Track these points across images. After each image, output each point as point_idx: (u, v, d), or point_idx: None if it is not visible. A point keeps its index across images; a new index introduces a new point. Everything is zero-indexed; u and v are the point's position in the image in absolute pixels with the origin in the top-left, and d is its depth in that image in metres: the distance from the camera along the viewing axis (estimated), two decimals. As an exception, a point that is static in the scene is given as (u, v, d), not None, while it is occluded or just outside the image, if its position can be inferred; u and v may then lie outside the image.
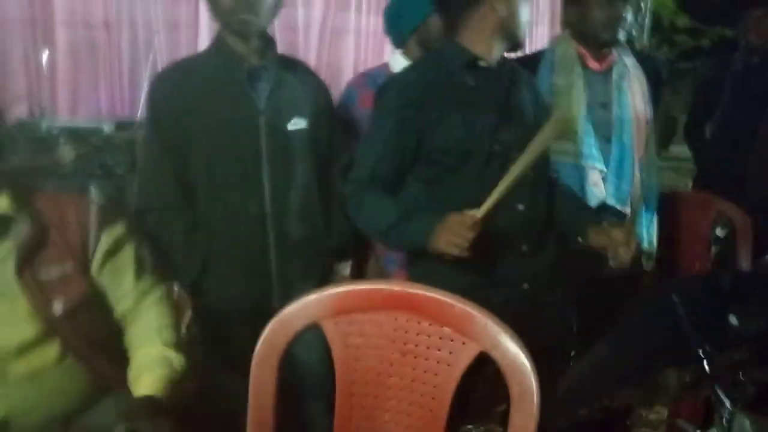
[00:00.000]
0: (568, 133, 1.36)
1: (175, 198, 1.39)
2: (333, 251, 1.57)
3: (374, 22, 2.88)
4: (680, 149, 3.25)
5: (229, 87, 1.38)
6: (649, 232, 1.71)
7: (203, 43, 2.55)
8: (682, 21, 8.32)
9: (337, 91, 1.77)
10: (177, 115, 1.37)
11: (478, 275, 1.24)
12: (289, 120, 1.43)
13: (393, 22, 1.75)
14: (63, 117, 2.12)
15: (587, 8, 1.60)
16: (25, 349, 1.06)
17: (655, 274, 1.77)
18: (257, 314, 1.47)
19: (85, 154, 1.90)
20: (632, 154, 1.66)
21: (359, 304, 1.10)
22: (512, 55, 1.45)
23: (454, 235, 1.14)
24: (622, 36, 1.64)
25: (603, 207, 1.61)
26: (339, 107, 1.66)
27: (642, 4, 3.12)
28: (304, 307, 1.10)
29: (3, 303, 1.06)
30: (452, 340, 1.05)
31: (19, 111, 1.96)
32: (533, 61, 1.70)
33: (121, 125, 1.99)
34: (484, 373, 1.10)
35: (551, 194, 1.37)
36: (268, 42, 1.44)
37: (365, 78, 1.72)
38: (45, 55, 2.32)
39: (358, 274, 1.66)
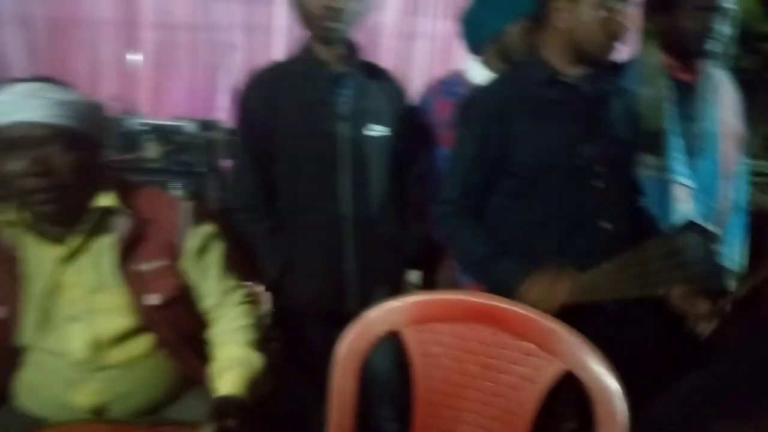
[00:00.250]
0: None
1: (259, 199, 1.44)
2: (407, 258, 1.58)
3: (443, 27, 2.88)
4: (763, 164, 3.08)
5: (313, 93, 1.42)
6: (737, 251, 1.63)
7: (277, 46, 2.63)
8: (769, 28, 7.84)
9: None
10: (264, 118, 1.42)
11: None
12: (369, 126, 1.46)
13: (470, 29, 1.73)
14: (149, 116, 2.23)
15: (677, 18, 1.53)
16: (122, 338, 1.13)
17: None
18: (331, 316, 1.51)
19: (169, 152, 1.99)
20: (721, 169, 1.59)
21: (441, 314, 1.10)
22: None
23: (546, 293, 1.14)
24: (715, 47, 1.56)
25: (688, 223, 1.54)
26: (415, 114, 1.66)
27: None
28: (386, 313, 1.12)
29: (104, 293, 1.12)
30: (536, 357, 1.03)
31: (110, 109, 2.08)
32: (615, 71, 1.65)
33: (204, 125, 2.08)
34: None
35: (639, 213, 1.33)
36: (353, 49, 1.46)
37: (442, 86, 1.72)
38: (132, 56, 2.45)
39: (428, 283, 1.66)
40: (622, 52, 1.55)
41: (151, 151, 1.98)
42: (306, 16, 1.40)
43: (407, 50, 2.83)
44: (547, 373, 1.02)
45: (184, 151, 2.00)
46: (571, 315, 1.10)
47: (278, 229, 1.45)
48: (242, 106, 1.46)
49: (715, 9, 1.50)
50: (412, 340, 1.11)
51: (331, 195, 1.44)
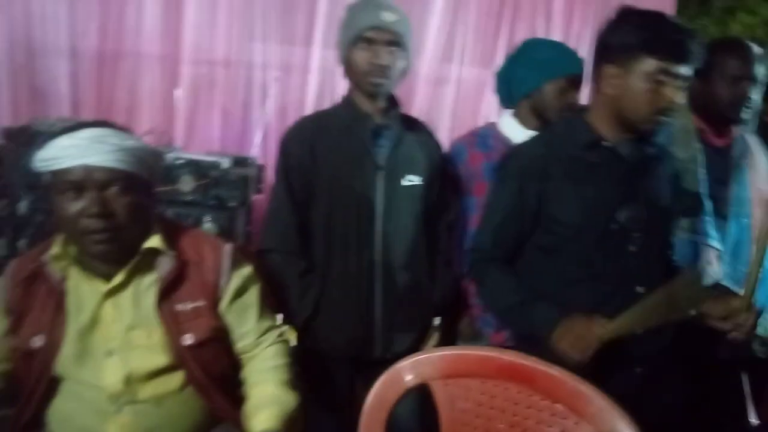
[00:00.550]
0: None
1: (294, 242, 1.47)
2: (435, 305, 1.60)
3: (470, 74, 2.95)
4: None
5: (353, 143, 1.47)
6: (766, 317, 1.62)
7: (313, 86, 2.70)
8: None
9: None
10: (305, 164, 1.46)
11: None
12: (404, 176, 1.50)
13: (506, 85, 1.77)
14: (185, 150, 2.29)
15: (712, 85, 1.56)
16: (155, 374, 1.15)
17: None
18: (356, 361, 1.52)
19: (203, 186, 2.04)
20: (751, 234, 1.59)
21: (471, 369, 1.11)
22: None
23: (579, 339, 1.14)
24: (747, 115, 1.58)
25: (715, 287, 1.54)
26: (447, 163, 1.70)
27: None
28: (416, 365, 1.12)
29: (142, 331, 1.16)
30: (565, 418, 1.03)
31: (148, 141, 2.14)
32: None
33: (238, 161, 2.13)
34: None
35: (670, 275, 1.33)
36: (393, 102, 1.52)
37: (475, 138, 1.75)
38: (172, 91, 2.53)
39: (449, 332, 1.67)
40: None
41: (185, 184, 2.03)
42: (353, 70, 1.46)
43: (435, 96, 2.89)
44: (577, 436, 1.02)
45: (216, 186, 2.04)
46: (600, 372, 1.11)
47: (310, 272, 1.48)
48: (284, 151, 1.51)
49: (751, 79, 1.53)
50: (441, 394, 1.11)
51: (365, 241, 1.47)
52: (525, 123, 1.68)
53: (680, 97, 1.20)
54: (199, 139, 2.58)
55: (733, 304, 1.23)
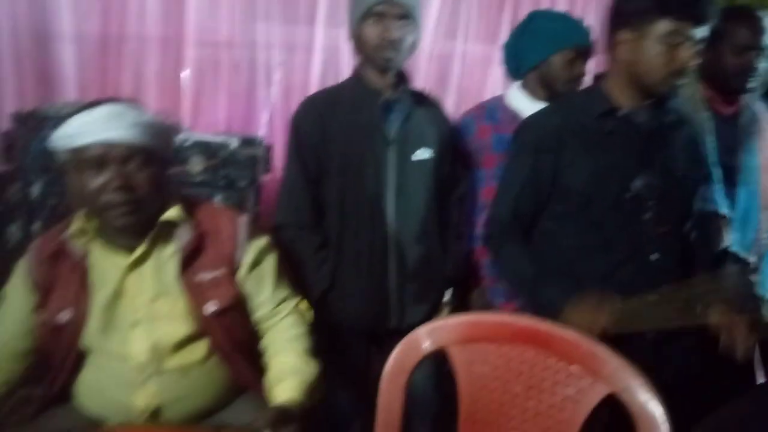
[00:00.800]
0: None
1: (309, 217, 1.49)
2: (447, 278, 1.62)
3: (474, 49, 2.94)
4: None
5: (364, 118, 1.48)
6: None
7: (317, 66, 2.70)
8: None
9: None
10: (316, 141, 1.48)
11: None
12: (415, 150, 1.51)
13: (514, 57, 1.78)
14: (192, 131, 2.30)
15: (719, 55, 1.56)
16: (180, 345, 1.18)
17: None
18: (372, 333, 1.55)
19: (212, 167, 2.06)
20: (759, 200, 1.61)
21: (488, 334, 1.14)
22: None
23: (589, 316, 1.16)
24: (754, 84, 1.59)
25: (726, 253, 1.57)
26: (457, 138, 1.71)
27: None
28: (434, 332, 1.16)
29: (165, 301, 1.18)
30: (580, 379, 1.06)
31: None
32: None
33: (246, 141, 2.14)
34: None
35: (687, 245, 1.34)
36: (402, 77, 1.52)
37: (483, 111, 1.76)
38: (177, 73, 2.54)
39: (461, 304, 1.70)
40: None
41: (195, 165, 2.05)
42: (364, 45, 1.46)
43: (439, 72, 2.89)
44: (591, 395, 1.05)
45: (225, 166, 2.06)
46: (612, 340, 1.12)
47: (325, 246, 1.50)
48: (295, 128, 1.52)
49: (757, 48, 1.54)
50: (458, 359, 1.14)
51: (378, 215, 1.49)
52: (533, 95, 1.69)
53: (695, 60, 1.20)
54: (205, 121, 2.59)
55: (737, 325, 1.19)
